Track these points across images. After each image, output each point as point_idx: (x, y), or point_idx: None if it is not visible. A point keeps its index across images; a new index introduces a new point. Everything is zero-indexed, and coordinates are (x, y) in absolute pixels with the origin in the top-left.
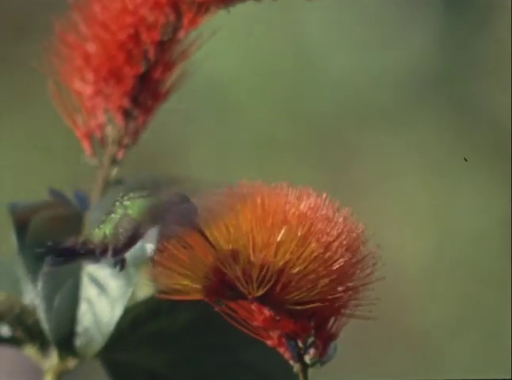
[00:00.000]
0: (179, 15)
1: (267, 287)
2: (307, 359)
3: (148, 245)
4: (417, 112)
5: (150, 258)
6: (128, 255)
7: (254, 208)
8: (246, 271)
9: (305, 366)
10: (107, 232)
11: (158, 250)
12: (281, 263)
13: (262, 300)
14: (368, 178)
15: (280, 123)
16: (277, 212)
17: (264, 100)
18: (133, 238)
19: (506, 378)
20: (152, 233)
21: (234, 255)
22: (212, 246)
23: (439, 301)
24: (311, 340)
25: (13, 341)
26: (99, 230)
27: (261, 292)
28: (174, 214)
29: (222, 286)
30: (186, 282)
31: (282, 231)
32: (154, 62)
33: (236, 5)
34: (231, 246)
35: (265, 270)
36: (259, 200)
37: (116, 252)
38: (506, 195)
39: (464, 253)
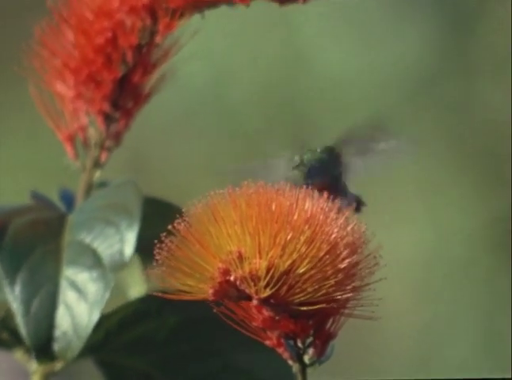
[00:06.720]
0: (155, 19)
1: (274, 288)
2: (306, 358)
3: (127, 250)
4: (411, 112)
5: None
6: (107, 259)
7: (260, 209)
8: (252, 272)
9: (304, 366)
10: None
11: (162, 249)
12: (288, 263)
13: (267, 301)
14: (362, 179)
15: (275, 124)
16: (283, 213)
17: (257, 101)
18: None
19: (506, 377)
20: (132, 238)
21: (241, 255)
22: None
23: (437, 301)
24: (309, 339)
25: None
26: None
27: (268, 293)
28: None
29: (227, 286)
30: (192, 282)
31: (288, 232)
32: (132, 66)
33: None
34: (237, 247)
35: (272, 270)
36: (264, 201)
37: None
38: (504, 195)
39: (461, 253)
